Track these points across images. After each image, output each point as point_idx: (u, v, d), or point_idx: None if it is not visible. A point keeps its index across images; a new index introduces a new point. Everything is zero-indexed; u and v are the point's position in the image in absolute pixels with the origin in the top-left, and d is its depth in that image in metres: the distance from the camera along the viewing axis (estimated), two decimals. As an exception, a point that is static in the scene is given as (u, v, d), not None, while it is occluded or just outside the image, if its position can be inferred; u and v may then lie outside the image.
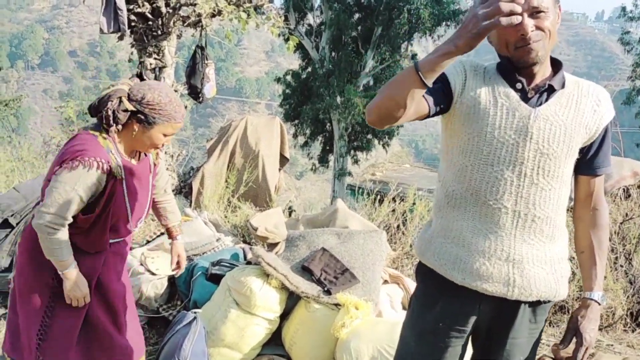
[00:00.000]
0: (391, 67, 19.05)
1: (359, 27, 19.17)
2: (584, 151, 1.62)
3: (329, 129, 19.70)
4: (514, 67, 1.58)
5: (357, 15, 19.25)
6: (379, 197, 5.44)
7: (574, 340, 1.63)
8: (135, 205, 2.12)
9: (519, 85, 1.57)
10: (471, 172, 1.60)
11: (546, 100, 1.56)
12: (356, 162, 19.99)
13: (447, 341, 1.71)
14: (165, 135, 2.04)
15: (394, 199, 4.96)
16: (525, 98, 1.57)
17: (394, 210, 4.80)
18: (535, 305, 1.65)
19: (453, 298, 1.68)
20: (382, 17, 18.20)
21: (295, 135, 20.75)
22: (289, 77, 20.51)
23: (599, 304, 1.64)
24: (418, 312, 1.80)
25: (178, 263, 2.46)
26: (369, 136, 19.38)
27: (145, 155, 2.17)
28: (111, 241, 2.13)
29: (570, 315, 1.71)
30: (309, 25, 19.94)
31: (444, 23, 18.46)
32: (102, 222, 2.04)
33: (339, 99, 18.16)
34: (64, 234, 1.95)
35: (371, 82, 19.50)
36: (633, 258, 3.99)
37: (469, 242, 1.63)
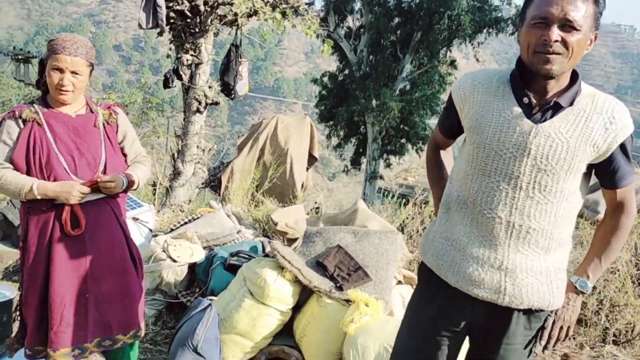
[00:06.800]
0: (429, 72, 18.92)
1: (399, 32, 19.06)
2: (599, 167, 1.61)
3: (363, 132, 19.68)
4: (526, 80, 1.59)
5: (397, 20, 19.13)
6: (404, 200, 5.46)
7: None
8: (74, 155, 2.18)
9: (525, 100, 1.58)
10: (471, 181, 1.66)
11: (551, 116, 1.55)
12: (388, 165, 19.91)
13: (439, 340, 1.76)
14: (55, 71, 2.12)
15: (415, 204, 4.98)
16: (529, 113, 1.57)
17: (419, 214, 4.82)
18: (529, 312, 1.67)
19: (448, 298, 1.73)
20: (422, 22, 18.07)
21: (329, 137, 20.81)
22: (325, 79, 20.57)
23: (576, 287, 1.71)
24: (415, 309, 1.86)
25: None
26: (403, 140, 19.27)
27: (92, 111, 2.29)
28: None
29: None
30: (348, 27, 19.94)
31: (485, 30, 18.20)
32: (36, 166, 2.13)
33: (374, 102, 18.12)
34: (5, 172, 2.11)
35: (407, 87, 19.37)
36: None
37: (465, 247, 1.68)
